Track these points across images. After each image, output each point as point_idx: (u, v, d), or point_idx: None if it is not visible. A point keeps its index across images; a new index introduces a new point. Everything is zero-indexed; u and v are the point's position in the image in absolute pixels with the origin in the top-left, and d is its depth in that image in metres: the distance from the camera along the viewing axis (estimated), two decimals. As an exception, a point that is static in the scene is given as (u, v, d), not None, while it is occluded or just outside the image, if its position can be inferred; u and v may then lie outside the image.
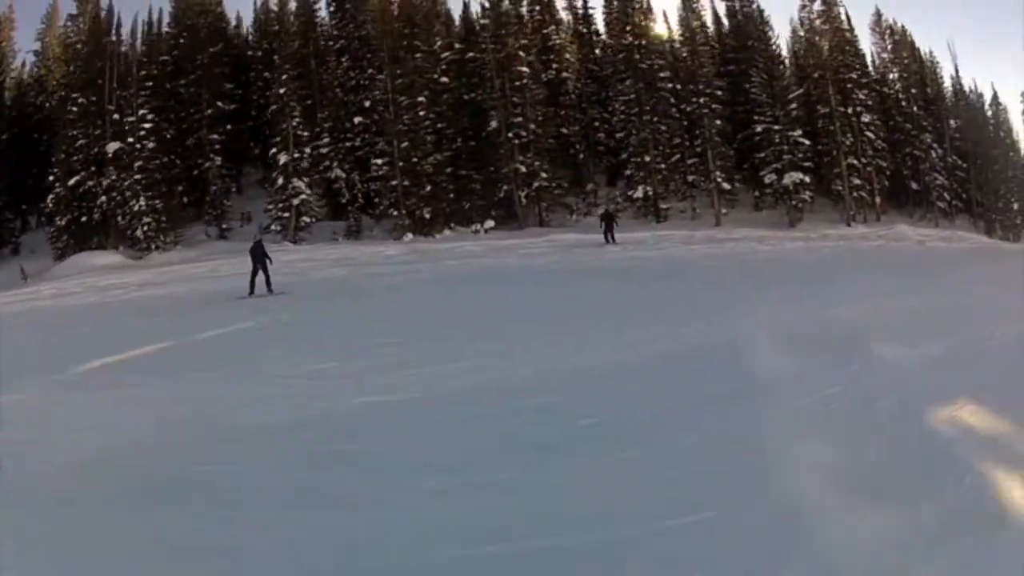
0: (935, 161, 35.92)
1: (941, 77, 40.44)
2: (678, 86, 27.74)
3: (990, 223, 37.44)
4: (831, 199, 33.11)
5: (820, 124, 31.47)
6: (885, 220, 34.25)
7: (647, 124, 26.73)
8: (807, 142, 29.14)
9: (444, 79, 25.26)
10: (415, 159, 23.44)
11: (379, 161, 23.64)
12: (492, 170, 24.74)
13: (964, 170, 38.08)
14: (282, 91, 23.76)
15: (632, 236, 23.25)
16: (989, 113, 40.22)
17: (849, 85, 33.25)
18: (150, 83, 27.80)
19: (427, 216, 23.24)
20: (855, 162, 32.30)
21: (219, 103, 27.46)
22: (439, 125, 24.75)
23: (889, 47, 37.89)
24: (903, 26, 40.75)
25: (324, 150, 26.64)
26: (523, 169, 24.39)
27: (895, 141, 36.49)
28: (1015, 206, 37.71)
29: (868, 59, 39.14)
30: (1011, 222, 37.92)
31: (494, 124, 24.83)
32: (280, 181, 23.38)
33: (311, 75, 28.94)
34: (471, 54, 25.70)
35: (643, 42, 27.25)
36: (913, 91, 36.83)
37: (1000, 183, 38.28)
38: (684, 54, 27.91)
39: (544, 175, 24.73)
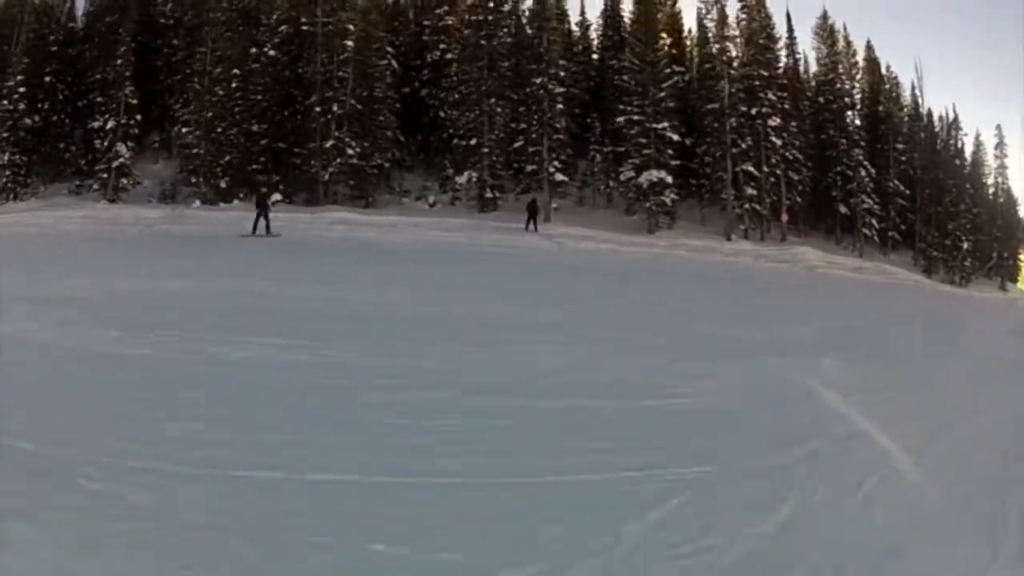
0: (864, 182, 30.70)
1: (900, 95, 34.79)
2: (533, 66, 25.81)
3: (931, 261, 31.57)
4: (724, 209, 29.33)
5: (706, 122, 28.13)
6: (795, 241, 29.76)
7: (475, 104, 25.20)
8: (675, 137, 25.96)
9: (273, 52, 25.37)
10: (219, 129, 23.33)
11: (186, 130, 23.88)
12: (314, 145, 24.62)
13: (907, 198, 32.44)
14: (118, 62, 24.17)
15: (400, 219, 22.14)
16: (953, 141, 34.00)
17: (757, 83, 29.29)
18: (54, 48, 30.61)
19: (223, 186, 23.83)
20: (751, 170, 28.40)
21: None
22: (259, 98, 24.09)
23: (826, 53, 32.85)
24: (868, 40, 35.70)
25: (186, 117, 27.91)
26: (327, 144, 24.06)
27: (826, 157, 31.72)
28: (964, 245, 31.51)
29: (812, 66, 34.53)
30: (957, 263, 31.76)
31: (313, 99, 24.65)
32: (105, 144, 24.00)
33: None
34: (305, 27, 25.59)
35: (489, 18, 25.62)
36: (846, 100, 31.64)
37: (950, 217, 32.16)
38: (529, 31, 25.90)
39: (351, 151, 24.21)
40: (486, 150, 24.19)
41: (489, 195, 24.43)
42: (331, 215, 21.65)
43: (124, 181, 24.24)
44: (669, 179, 24.96)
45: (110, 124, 24.35)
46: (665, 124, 25.04)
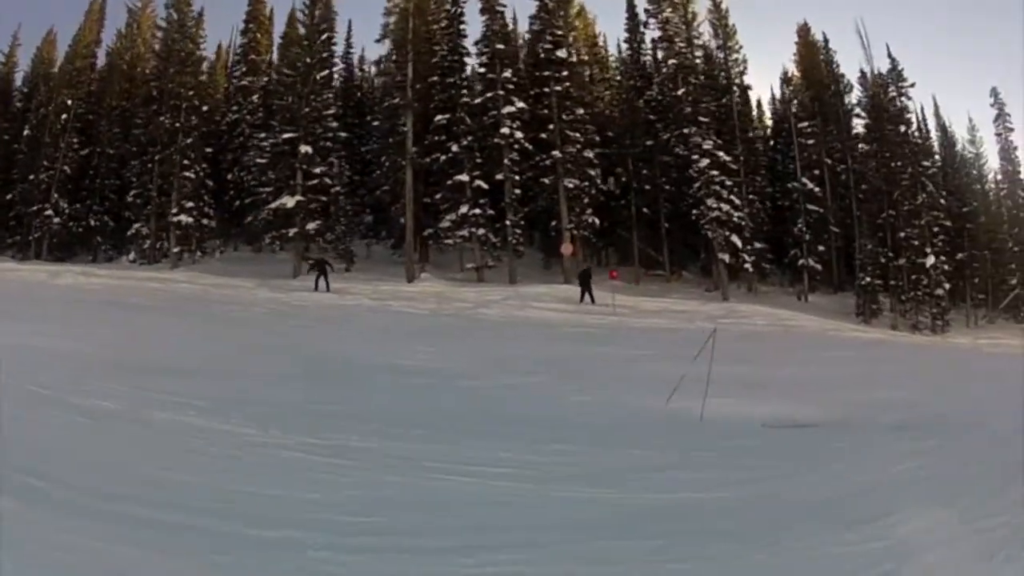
0: (709, 175, 18.71)
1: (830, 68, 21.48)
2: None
3: (869, 296, 18.05)
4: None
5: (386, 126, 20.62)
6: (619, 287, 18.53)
7: (136, 156, 23.58)
8: (307, 150, 19.11)
9: (28, 132, 25.58)
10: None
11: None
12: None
13: (824, 203, 19.83)
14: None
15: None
16: (892, 101, 18.66)
17: (546, 72, 20.89)
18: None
19: None
20: (465, 179, 19.59)
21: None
22: (14, 173, 25.39)
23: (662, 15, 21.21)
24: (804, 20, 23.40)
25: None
26: (32, 208, 25.36)
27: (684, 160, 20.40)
28: (929, 262, 16.83)
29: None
30: (922, 293, 17.31)
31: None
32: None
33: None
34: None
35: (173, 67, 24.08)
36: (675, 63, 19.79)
37: (907, 222, 17.61)
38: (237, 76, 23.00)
39: (51, 213, 25.10)
40: (132, 199, 22.87)
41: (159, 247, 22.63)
42: None
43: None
44: (290, 204, 19.46)
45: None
46: (290, 134, 19.83)
